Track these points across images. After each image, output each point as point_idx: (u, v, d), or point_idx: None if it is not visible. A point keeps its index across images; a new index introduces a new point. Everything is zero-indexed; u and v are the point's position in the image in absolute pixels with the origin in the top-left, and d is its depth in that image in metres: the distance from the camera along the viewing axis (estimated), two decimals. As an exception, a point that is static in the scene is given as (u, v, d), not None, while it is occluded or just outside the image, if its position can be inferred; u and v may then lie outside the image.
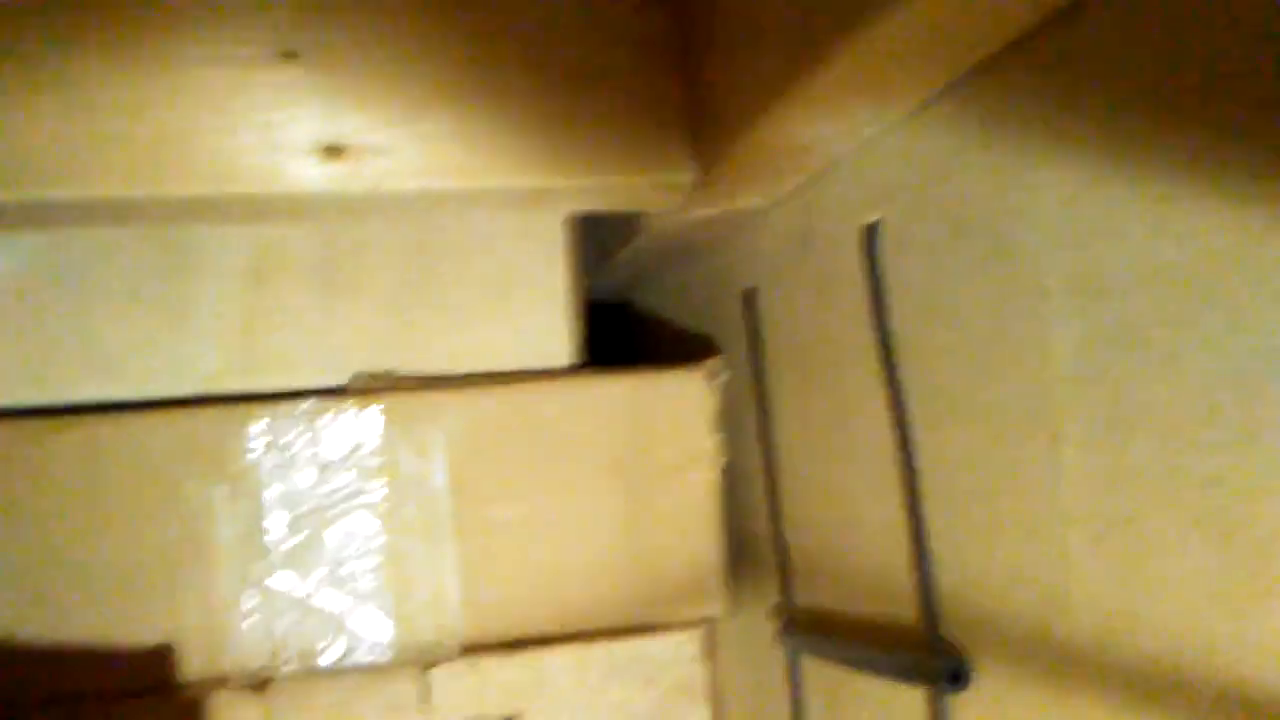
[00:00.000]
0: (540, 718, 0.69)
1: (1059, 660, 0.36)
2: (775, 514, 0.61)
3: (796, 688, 0.59)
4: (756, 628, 0.66)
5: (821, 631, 0.56)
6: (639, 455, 0.62)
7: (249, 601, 0.59)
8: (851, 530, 0.52)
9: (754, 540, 0.66)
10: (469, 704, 0.68)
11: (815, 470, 0.56)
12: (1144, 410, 0.31)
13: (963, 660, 0.42)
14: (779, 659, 0.62)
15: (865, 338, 0.48)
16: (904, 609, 0.46)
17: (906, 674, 0.46)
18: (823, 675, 0.57)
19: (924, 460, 0.44)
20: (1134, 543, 0.32)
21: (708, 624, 0.64)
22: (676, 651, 0.72)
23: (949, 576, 0.43)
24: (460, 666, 0.66)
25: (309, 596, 0.60)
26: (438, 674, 0.66)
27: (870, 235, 0.46)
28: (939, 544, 0.43)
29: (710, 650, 0.73)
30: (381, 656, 0.61)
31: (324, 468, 0.60)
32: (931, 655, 0.43)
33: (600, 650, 0.70)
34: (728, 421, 0.63)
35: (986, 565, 0.40)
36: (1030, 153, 0.35)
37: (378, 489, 0.60)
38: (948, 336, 0.41)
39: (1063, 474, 0.35)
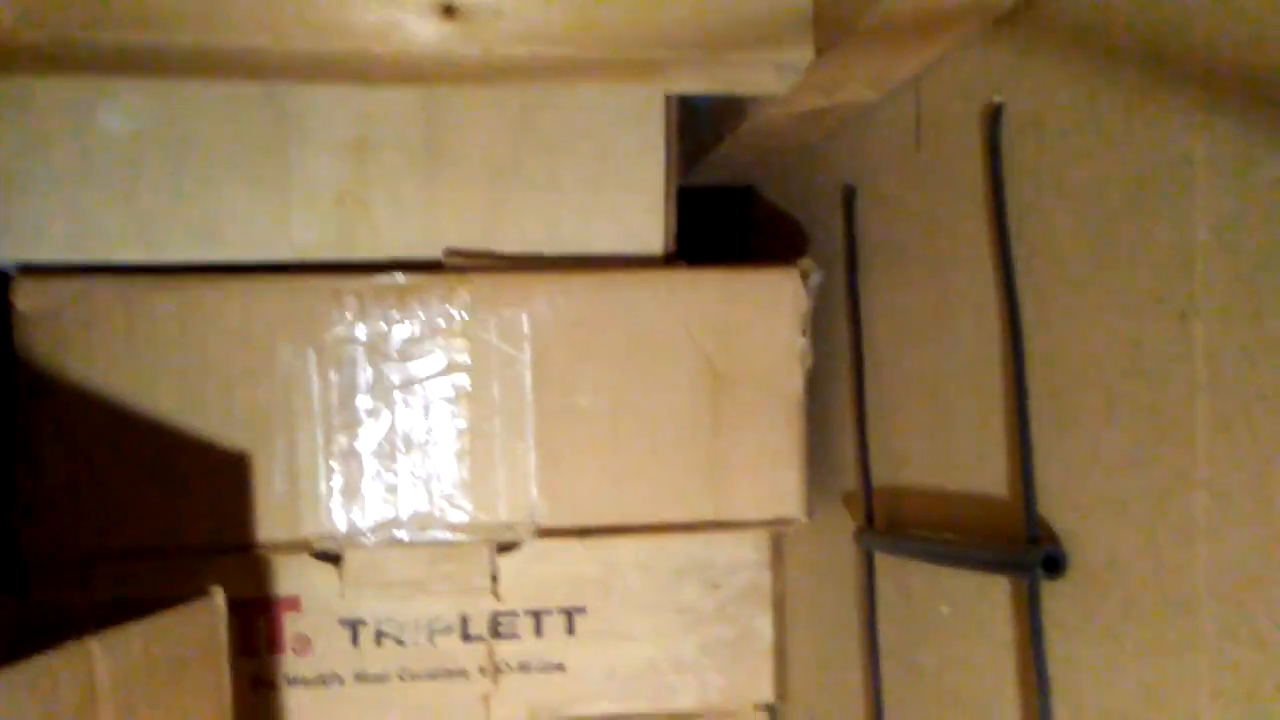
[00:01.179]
0: (604, 613, 0.70)
1: (1173, 544, 0.35)
2: (860, 414, 0.61)
3: (871, 589, 0.59)
4: (827, 531, 0.66)
5: (904, 530, 0.56)
6: (725, 352, 0.62)
7: (333, 470, 0.60)
8: (945, 423, 0.51)
9: (835, 441, 0.66)
10: (536, 592, 0.69)
11: (907, 367, 0.55)
12: (1287, 281, 0.30)
13: (1060, 547, 0.41)
14: (850, 561, 0.62)
15: (977, 225, 0.47)
16: (999, 498, 0.46)
17: (998, 565, 0.45)
18: (898, 575, 0.57)
19: (1033, 346, 0.43)
20: (1268, 418, 0.31)
21: (783, 526, 0.64)
22: (744, 556, 0.72)
23: (1051, 462, 0.42)
24: (529, 555, 0.66)
25: (392, 469, 0.61)
26: (507, 561, 0.67)
27: (993, 117, 0.44)
28: (1043, 428, 0.43)
29: (777, 556, 0.73)
30: (458, 535, 0.62)
31: (413, 342, 0.60)
32: (1026, 544, 0.43)
33: (669, 550, 0.70)
34: (818, 321, 0.63)
35: (1096, 448, 0.39)
36: (1185, 11, 0.34)
37: (464, 366, 0.61)
38: (1072, 218, 0.40)
39: (1194, 349, 0.34)
